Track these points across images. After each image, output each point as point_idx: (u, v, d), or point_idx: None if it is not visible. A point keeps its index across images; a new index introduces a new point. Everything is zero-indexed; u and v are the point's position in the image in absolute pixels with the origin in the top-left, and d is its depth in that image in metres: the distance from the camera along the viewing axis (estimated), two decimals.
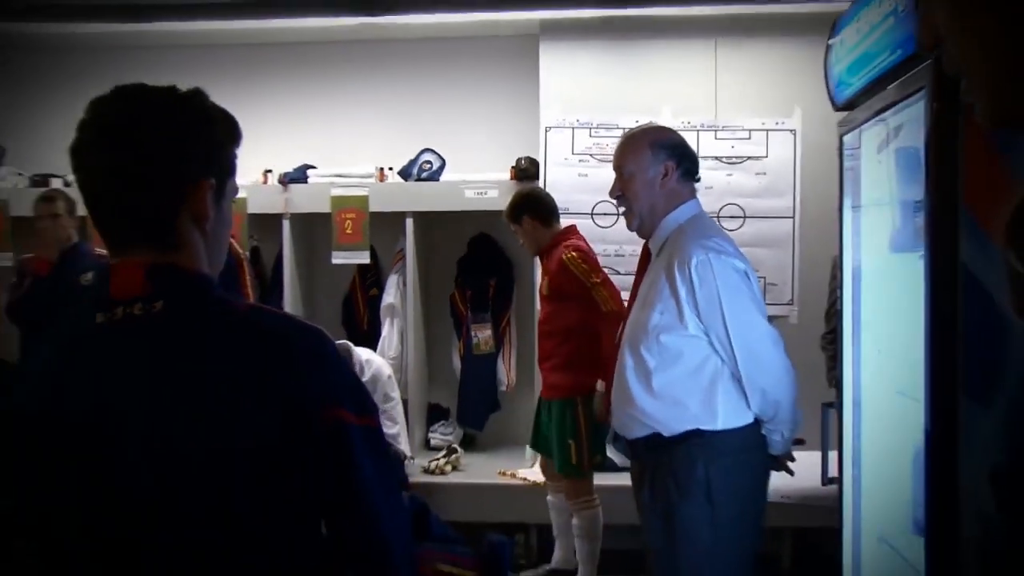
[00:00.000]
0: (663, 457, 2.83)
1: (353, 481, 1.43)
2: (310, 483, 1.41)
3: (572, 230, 4.89)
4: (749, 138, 5.60)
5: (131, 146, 1.42)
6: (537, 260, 5.17)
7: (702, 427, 2.77)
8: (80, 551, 1.43)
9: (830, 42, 3.26)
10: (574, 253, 4.63)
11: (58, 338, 1.51)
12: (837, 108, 3.31)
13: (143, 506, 1.36)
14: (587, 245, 4.84)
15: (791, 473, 3.20)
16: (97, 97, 1.47)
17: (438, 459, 5.82)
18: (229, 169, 1.54)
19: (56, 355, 1.49)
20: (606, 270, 5.56)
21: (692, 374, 2.79)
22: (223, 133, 1.52)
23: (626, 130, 3.15)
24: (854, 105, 3.14)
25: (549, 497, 5.13)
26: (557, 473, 4.93)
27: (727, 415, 2.78)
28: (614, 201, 3.04)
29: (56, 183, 5.93)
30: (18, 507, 1.48)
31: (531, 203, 4.84)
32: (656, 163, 2.91)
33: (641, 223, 2.98)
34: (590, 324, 4.56)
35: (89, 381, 1.41)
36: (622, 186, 2.96)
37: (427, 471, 5.74)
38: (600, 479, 5.33)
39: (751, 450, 2.84)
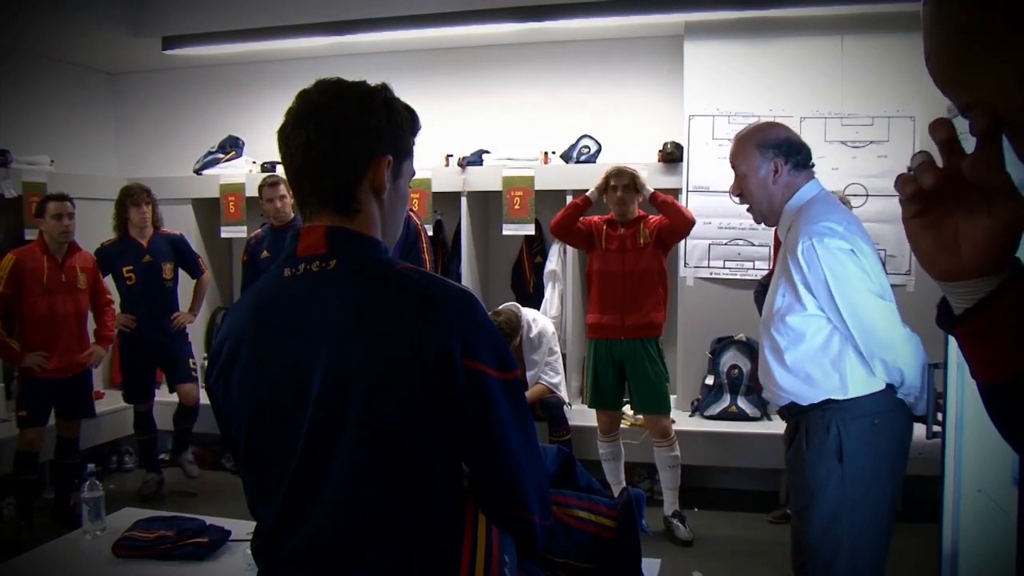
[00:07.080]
0: (801, 420, 2.70)
1: (491, 425, 1.41)
2: (453, 422, 1.39)
3: None
4: (871, 124, 5.36)
5: (322, 125, 1.47)
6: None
7: (834, 397, 2.60)
8: (263, 450, 1.49)
9: None
10: None
11: (255, 288, 1.59)
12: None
13: (317, 414, 1.39)
14: None
15: (938, 426, 3.08)
16: (303, 89, 1.53)
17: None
18: (406, 151, 1.56)
19: (251, 300, 1.56)
20: (740, 242, 5.45)
21: (819, 350, 2.62)
22: (402, 120, 1.54)
23: (739, 130, 2.88)
24: None
25: (604, 449, 5.05)
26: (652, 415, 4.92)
27: (856, 384, 2.59)
28: (736, 198, 2.83)
29: (281, 170, 6.14)
30: (224, 410, 1.56)
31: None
32: (765, 162, 2.71)
33: (763, 216, 2.81)
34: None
35: (273, 318, 1.48)
36: (739, 185, 2.79)
37: None
38: (728, 426, 5.24)
39: (885, 413, 2.61)
